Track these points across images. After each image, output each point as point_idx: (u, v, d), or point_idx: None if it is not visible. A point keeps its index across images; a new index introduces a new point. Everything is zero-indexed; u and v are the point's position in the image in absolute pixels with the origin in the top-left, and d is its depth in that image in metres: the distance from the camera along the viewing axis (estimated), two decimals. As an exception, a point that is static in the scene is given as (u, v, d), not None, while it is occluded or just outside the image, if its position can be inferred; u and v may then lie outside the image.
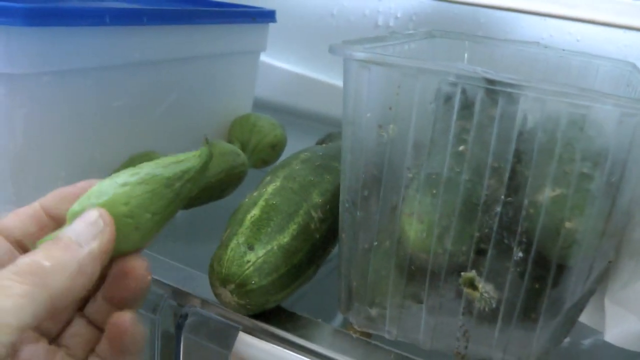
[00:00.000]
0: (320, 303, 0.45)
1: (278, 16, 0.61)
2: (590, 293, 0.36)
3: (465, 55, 0.53)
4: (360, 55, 0.32)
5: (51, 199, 0.30)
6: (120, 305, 0.30)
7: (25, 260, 0.25)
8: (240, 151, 0.52)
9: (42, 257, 0.25)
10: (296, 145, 0.50)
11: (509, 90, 0.31)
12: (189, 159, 0.32)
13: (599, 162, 0.32)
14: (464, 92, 0.32)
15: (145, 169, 0.31)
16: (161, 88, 0.52)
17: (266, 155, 0.56)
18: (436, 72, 0.32)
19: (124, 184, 0.29)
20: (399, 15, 0.71)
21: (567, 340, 0.41)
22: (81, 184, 0.30)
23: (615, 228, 0.34)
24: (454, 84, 0.32)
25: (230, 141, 0.57)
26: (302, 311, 0.40)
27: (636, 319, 0.34)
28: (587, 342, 0.45)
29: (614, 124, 0.31)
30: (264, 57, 0.72)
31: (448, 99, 0.32)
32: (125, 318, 0.29)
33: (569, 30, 0.65)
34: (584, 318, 0.37)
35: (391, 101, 0.33)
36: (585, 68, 0.50)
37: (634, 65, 0.47)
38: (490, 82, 0.31)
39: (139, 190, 0.29)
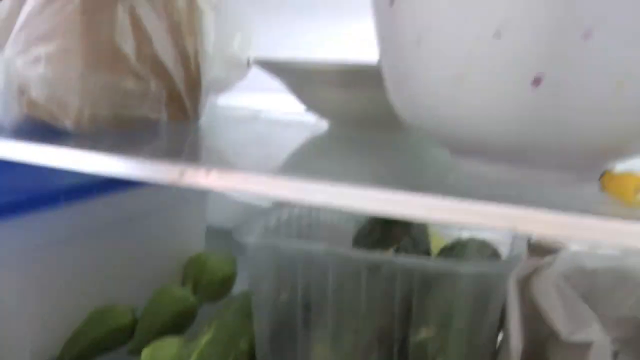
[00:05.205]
0: None
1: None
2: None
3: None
4: (251, 240, 0.40)
5: None
6: None
7: None
8: (190, 295, 0.58)
9: None
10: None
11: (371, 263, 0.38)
12: None
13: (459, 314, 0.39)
14: (333, 265, 0.39)
15: None
16: (112, 250, 0.58)
17: (216, 292, 0.63)
18: (310, 251, 0.39)
19: None
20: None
21: None
22: None
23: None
24: (325, 259, 0.39)
25: (184, 281, 0.64)
26: None
27: None
28: None
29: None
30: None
31: (324, 271, 0.40)
32: None
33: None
34: None
35: (281, 274, 0.41)
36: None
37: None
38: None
39: None
